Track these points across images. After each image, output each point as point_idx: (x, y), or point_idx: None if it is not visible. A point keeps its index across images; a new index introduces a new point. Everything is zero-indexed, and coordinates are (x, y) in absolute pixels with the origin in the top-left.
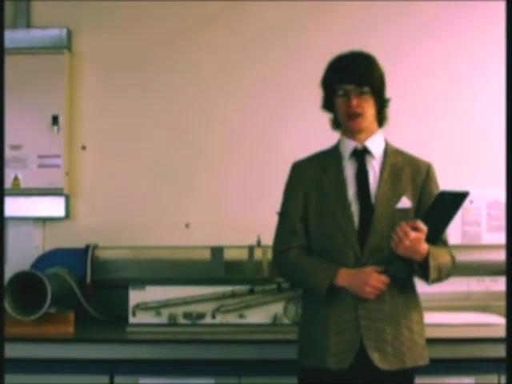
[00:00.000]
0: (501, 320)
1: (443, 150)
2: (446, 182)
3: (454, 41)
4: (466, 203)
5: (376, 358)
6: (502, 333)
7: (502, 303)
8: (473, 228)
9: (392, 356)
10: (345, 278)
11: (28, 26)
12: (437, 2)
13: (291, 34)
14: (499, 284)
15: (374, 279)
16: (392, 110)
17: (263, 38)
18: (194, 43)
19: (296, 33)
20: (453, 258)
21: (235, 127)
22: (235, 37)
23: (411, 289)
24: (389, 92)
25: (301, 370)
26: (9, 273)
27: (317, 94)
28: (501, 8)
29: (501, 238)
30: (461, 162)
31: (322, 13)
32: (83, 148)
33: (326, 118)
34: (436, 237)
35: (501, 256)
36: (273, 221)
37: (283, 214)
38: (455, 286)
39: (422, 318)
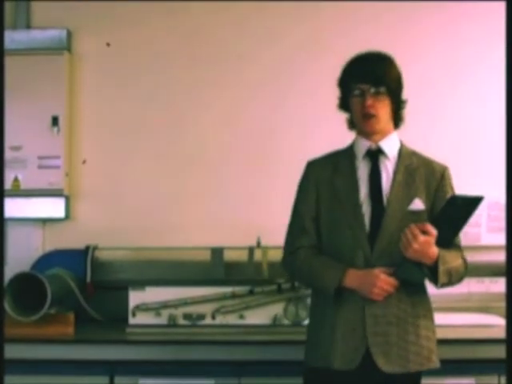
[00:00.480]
0: (501, 321)
1: (443, 151)
2: None
3: (456, 39)
4: None
5: (381, 361)
6: (502, 334)
7: (502, 304)
8: (473, 229)
9: (397, 359)
10: (353, 278)
11: (28, 26)
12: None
13: (289, 35)
14: (499, 285)
15: (382, 281)
16: None
17: (263, 39)
18: (195, 43)
19: (295, 34)
20: (465, 261)
21: (235, 128)
22: (236, 37)
23: (421, 292)
24: None
25: (307, 369)
26: (9, 274)
27: (317, 95)
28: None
29: (501, 239)
30: (461, 163)
31: (322, 11)
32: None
33: (327, 118)
34: (447, 241)
35: (501, 257)
36: (273, 222)
37: (295, 213)
38: (455, 287)
39: (431, 321)
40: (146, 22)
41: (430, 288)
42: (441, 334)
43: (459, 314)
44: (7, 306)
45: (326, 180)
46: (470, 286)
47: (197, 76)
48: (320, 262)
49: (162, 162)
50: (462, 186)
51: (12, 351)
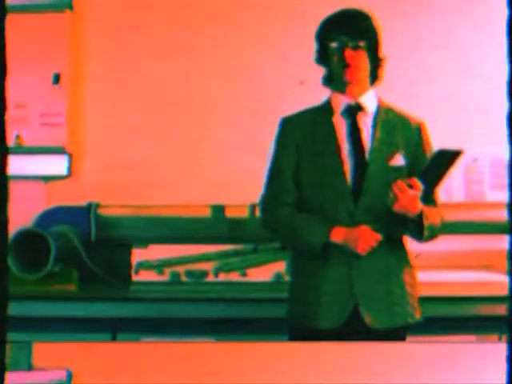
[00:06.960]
0: (503, 278)
1: (446, 108)
2: (449, 139)
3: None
4: (470, 161)
5: (368, 317)
6: (503, 291)
7: (505, 261)
8: (476, 186)
9: (384, 314)
10: (339, 234)
11: None
12: None
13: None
14: (502, 242)
15: (367, 235)
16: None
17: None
18: (197, 7)
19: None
20: (442, 218)
21: (238, 81)
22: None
23: (403, 248)
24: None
25: (291, 329)
26: (11, 232)
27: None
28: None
29: (504, 196)
30: (464, 120)
31: None
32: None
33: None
34: (429, 195)
35: (504, 214)
36: None
37: (275, 170)
38: (458, 243)
39: (414, 276)
40: None
41: (431, 245)
42: (443, 291)
43: (461, 271)
44: (11, 264)
45: (305, 136)
46: (473, 243)
47: (200, 38)
48: (304, 218)
49: (165, 120)
50: (465, 142)
51: (15, 308)
